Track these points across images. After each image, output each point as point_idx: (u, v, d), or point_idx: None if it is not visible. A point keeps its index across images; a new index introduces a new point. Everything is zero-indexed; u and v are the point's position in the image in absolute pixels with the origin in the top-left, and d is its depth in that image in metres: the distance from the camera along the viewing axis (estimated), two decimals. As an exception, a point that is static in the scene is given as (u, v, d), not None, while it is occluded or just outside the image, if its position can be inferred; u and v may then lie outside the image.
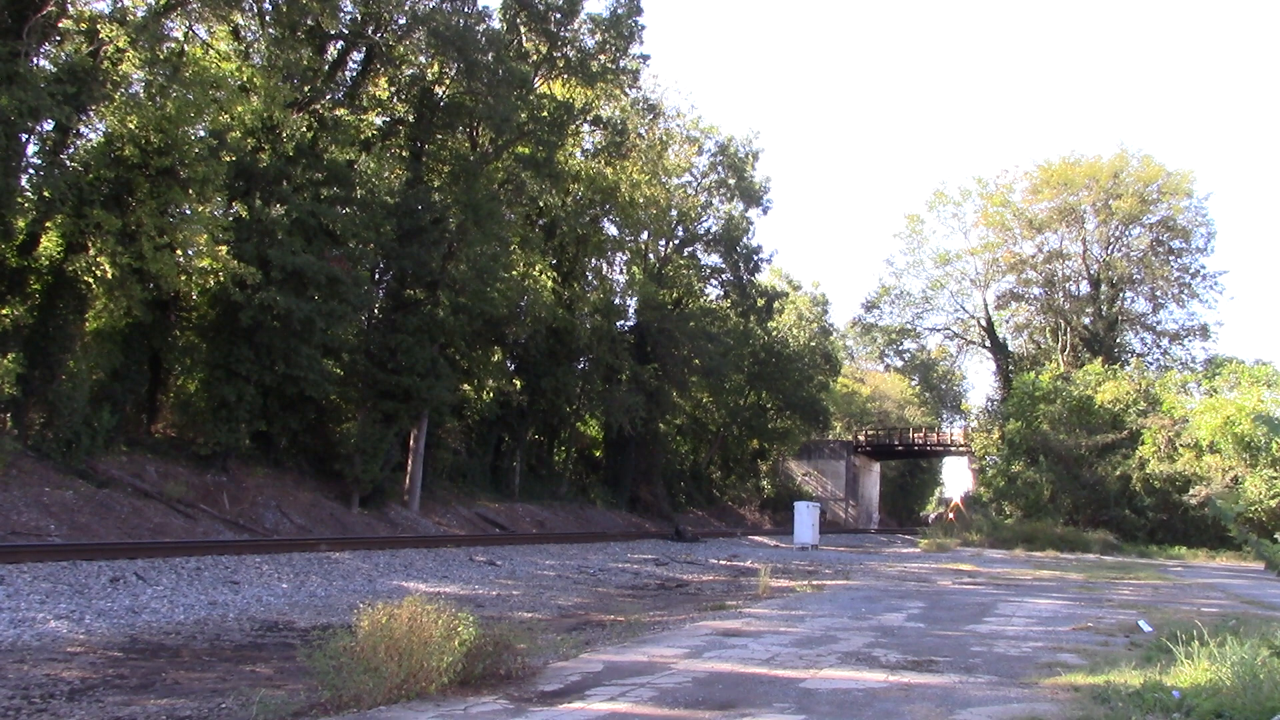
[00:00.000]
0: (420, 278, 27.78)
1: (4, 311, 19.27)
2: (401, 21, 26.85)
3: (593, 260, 41.94)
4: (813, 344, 57.78)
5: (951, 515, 63.55)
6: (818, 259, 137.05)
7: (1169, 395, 40.02)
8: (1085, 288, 50.47)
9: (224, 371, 22.17)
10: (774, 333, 53.85)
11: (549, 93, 32.38)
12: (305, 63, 23.93)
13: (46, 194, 18.06)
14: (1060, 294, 51.19)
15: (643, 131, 38.93)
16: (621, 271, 44.54)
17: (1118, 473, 38.34)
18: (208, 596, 12.23)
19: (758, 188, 46.91)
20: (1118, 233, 48.93)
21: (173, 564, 14.08)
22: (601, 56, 31.65)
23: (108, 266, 18.78)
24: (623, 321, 41.92)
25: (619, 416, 37.21)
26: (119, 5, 19.23)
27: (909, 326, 57.09)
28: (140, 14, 19.23)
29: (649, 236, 44.56)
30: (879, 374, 74.40)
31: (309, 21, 23.87)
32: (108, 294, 20.17)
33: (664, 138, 41.55)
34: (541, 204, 34.44)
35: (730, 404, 54.02)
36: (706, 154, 46.11)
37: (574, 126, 33.58)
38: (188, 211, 20.33)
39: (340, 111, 25.73)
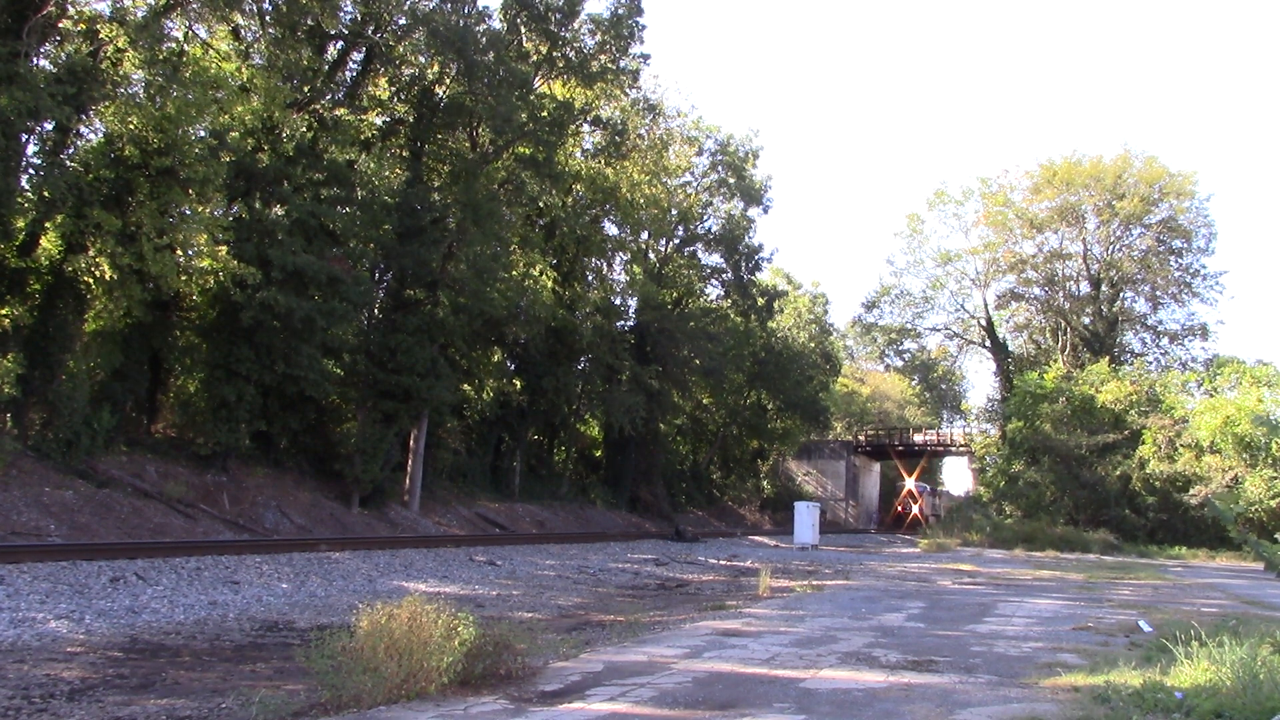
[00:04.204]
0: (420, 277, 27.78)
1: (4, 311, 19.26)
2: (401, 21, 26.87)
3: (593, 260, 41.90)
4: (813, 344, 57.76)
5: (900, 507, 63.55)
6: (818, 258, 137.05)
7: (1170, 395, 40.03)
8: (1085, 287, 50.47)
9: (224, 371, 22.16)
10: (774, 333, 53.83)
11: (549, 93, 32.38)
12: (305, 63, 23.93)
13: (46, 194, 18.05)
14: (1060, 294, 51.18)
15: (643, 131, 38.91)
16: (621, 271, 44.51)
17: (1118, 473, 38.35)
18: (208, 596, 12.23)
19: (758, 187, 46.90)
20: (1119, 233, 48.95)
21: (173, 564, 14.08)
22: (602, 57, 31.64)
23: (107, 267, 18.76)
24: (623, 321, 41.90)
25: (619, 417, 37.20)
26: (119, 5, 19.22)
27: (909, 326, 57.09)
28: (140, 14, 19.21)
29: (649, 236, 44.54)
30: (879, 374, 74.37)
31: (309, 21, 23.86)
32: (107, 294, 20.16)
33: (664, 138, 41.51)
34: (541, 204, 34.43)
35: (730, 404, 53.99)
36: (706, 154, 46.13)
37: (574, 126, 33.58)
38: (188, 212, 20.30)
39: (340, 111, 25.73)
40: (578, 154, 37.71)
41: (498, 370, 34.74)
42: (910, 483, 63.96)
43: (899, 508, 64.81)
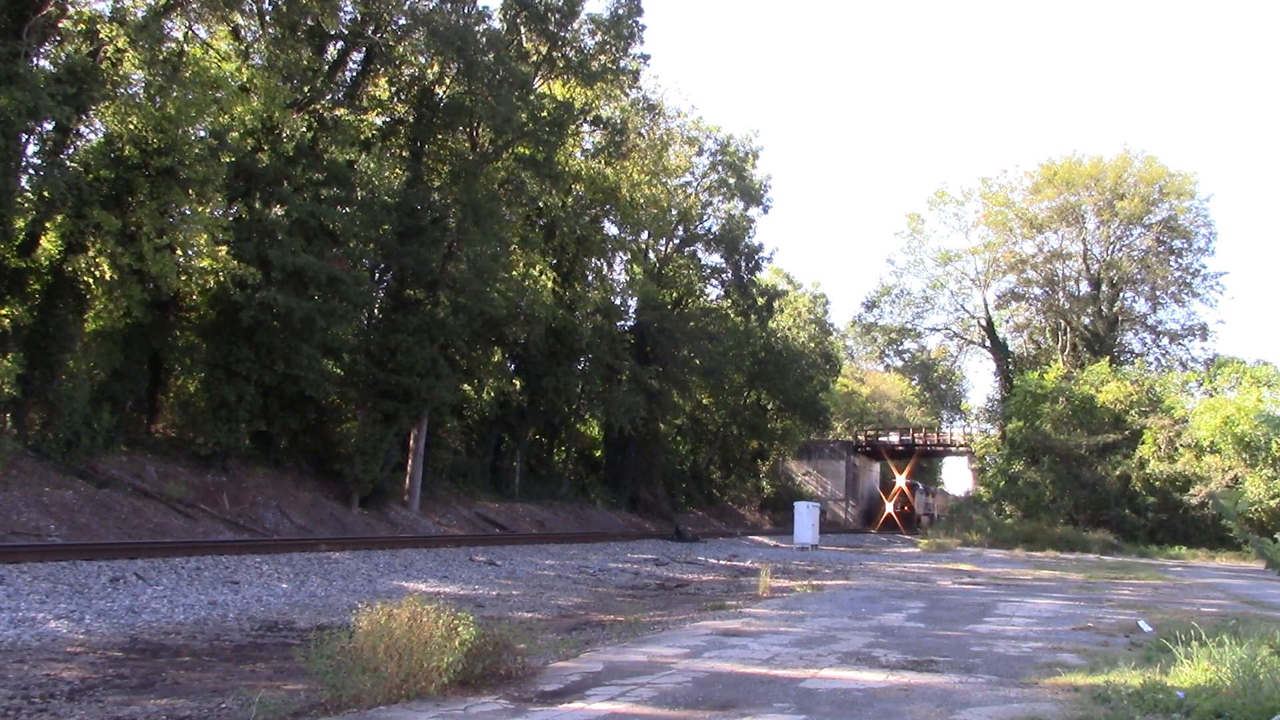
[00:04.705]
0: (420, 277, 27.79)
1: (4, 311, 19.25)
2: (401, 21, 26.88)
3: (593, 260, 41.91)
4: (813, 344, 57.77)
5: (891, 506, 62.25)
6: (818, 258, 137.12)
7: (1170, 395, 40.03)
8: (1085, 287, 50.47)
9: (224, 371, 22.16)
10: (774, 333, 53.83)
11: (549, 93, 32.38)
12: (305, 63, 23.93)
13: (46, 194, 18.04)
14: (1060, 294, 51.19)
15: (643, 131, 38.92)
16: (621, 271, 44.54)
17: (1118, 473, 38.33)
18: (208, 596, 12.23)
19: (758, 186, 46.92)
20: (1119, 233, 48.96)
21: (173, 564, 14.09)
22: (601, 57, 31.64)
23: (107, 267, 18.76)
24: (623, 321, 41.91)
25: (619, 417, 37.21)
26: (119, 5, 19.22)
27: (909, 326, 57.09)
28: (140, 14, 19.22)
29: (649, 236, 44.56)
30: (879, 374, 74.36)
31: (309, 21, 23.87)
32: (107, 294, 20.17)
33: (664, 138, 41.53)
34: (541, 204, 34.44)
35: (730, 404, 54.02)
36: (706, 154, 46.16)
37: (574, 126, 33.58)
38: (188, 212, 20.31)
39: (340, 111, 25.74)
40: (578, 154, 37.71)
41: (498, 370, 34.73)
42: (901, 480, 63.11)
43: (889, 506, 63.86)
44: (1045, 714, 5.68)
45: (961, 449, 59.58)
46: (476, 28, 27.36)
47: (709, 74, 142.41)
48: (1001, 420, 46.66)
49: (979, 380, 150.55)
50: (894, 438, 66.65)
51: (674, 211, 43.86)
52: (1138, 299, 51.30)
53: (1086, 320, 50.14)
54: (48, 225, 19.67)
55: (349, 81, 27.68)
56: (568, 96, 32.61)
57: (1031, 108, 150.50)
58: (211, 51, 24.02)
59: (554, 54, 30.83)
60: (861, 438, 66.94)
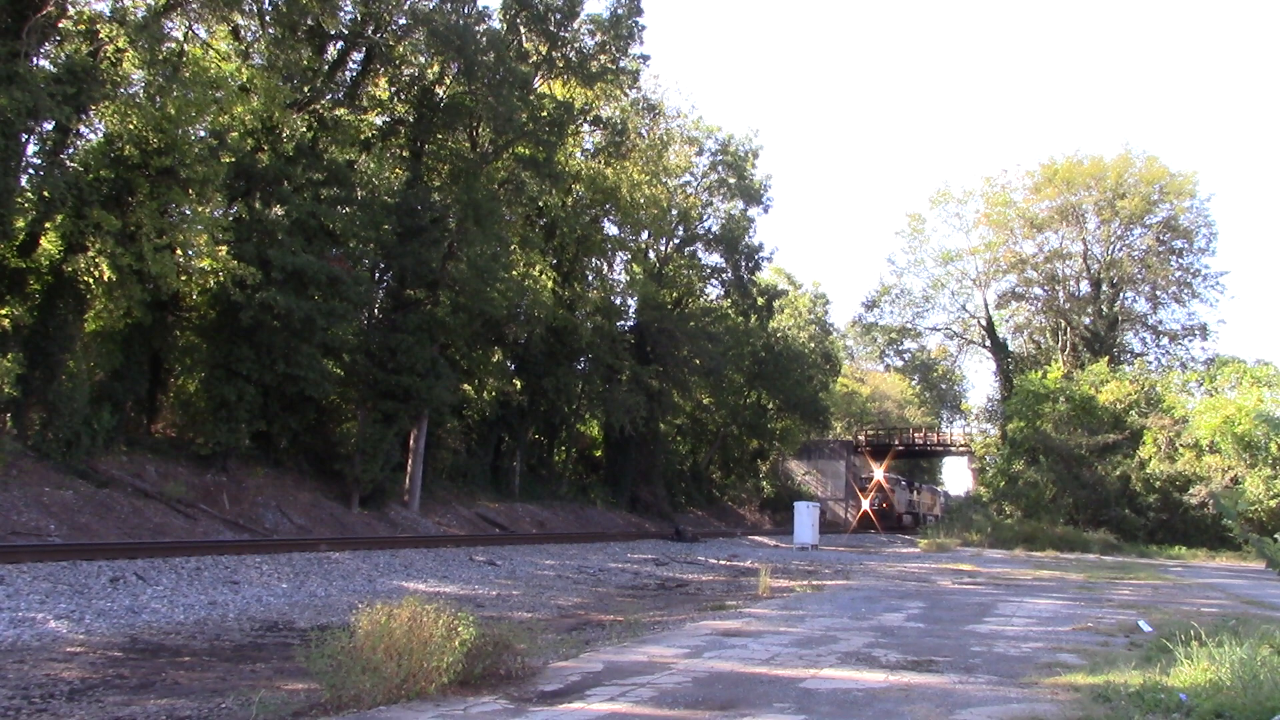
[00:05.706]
0: (420, 277, 27.79)
1: (4, 311, 19.25)
2: (401, 21, 26.89)
3: (593, 260, 41.93)
4: (813, 344, 57.76)
5: (869, 503, 58.50)
6: (818, 258, 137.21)
7: (1170, 395, 40.02)
8: (1086, 287, 50.44)
9: (224, 371, 22.17)
10: (774, 332, 53.82)
11: (549, 93, 32.41)
12: (305, 63, 23.94)
13: (46, 194, 18.04)
14: (1061, 293, 51.17)
15: (643, 131, 38.95)
16: (621, 271, 44.56)
17: (1118, 472, 38.32)
18: (208, 596, 12.23)
19: (758, 186, 46.92)
20: (1120, 232, 48.91)
21: (173, 564, 14.08)
22: (601, 57, 31.67)
23: (107, 267, 18.74)
24: (623, 321, 41.92)
25: (619, 417, 37.20)
26: (119, 5, 19.22)
27: (909, 326, 57.01)
28: (140, 14, 19.22)
29: (649, 236, 44.57)
30: (879, 374, 74.38)
31: (309, 21, 23.88)
32: (107, 294, 20.15)
33: (664, 138, 41.55)
34: (541, 204, 34.43)
35: (730, 404, 54.02)
36: (706, 154, 46.17)
37: (574, 126, 33.61)
38: (188, 212, 20.30)
39: (340, 111, 25.74)
40: (578, 154, 37.73)
41: (498, 370, 34.75)
42: (879, 473, 59.64)
43: (865, 503, 59.16)
44: (1045, 714, 5.68)
45: (961, 449, 59.51)
46: (476, 28, 27.37)
47: (709, 74, 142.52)
48: (1001, 420, 46.63)
49: (979, 380, 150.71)
50: (894, 438, 66.47)
51: (674, 211, 43.85)
52: (1138, 299, 51.26)
53: (1086, 320, 50.09)
54: (48, 225, 19.65)
55: (349, 81, 27.68)
56: (568, 96, 32.62)
57: (1032, 107, 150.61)
58: (211, 51, 24.00)
59: (554, 54, 30.85)
60: (862, 438, 66.90)
